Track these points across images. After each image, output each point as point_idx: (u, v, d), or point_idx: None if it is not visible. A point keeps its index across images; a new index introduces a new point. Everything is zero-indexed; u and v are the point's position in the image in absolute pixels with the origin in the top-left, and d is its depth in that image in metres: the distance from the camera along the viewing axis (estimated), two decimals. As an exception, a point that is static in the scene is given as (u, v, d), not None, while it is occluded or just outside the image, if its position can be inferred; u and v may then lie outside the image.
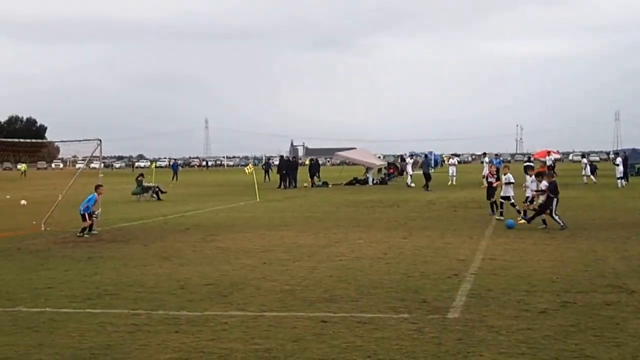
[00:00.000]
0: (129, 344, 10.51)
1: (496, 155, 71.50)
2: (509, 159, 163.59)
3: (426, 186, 50.02)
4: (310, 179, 60.42)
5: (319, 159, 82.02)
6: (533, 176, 26.65)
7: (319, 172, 63.13)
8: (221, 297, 13.83)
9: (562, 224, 23.83)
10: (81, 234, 24.43)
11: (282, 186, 57.20)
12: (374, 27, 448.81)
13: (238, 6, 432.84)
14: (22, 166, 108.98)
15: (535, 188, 25.85)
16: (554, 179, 25.39)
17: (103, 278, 16.14)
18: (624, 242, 20.49)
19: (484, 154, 65.95)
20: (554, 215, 24.14)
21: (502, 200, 27.48)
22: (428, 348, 9.97)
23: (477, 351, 9.82)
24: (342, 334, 10.81)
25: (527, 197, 26.65)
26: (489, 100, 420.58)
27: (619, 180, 49.84)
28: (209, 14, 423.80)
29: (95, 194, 25.47)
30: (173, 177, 75.68)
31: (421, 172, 53.85)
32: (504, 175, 27.75)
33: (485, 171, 51.54)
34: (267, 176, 70.08)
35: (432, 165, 53.69)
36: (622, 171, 51.11)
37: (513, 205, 26.98)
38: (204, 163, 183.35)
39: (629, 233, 22.53)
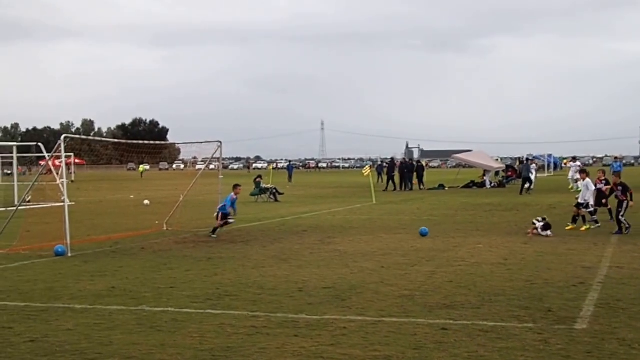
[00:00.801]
0: (248, 346, 10.49)
1: (616, 158, 69.51)
2: (632, 162, 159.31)
3: (527, 189, 49.39)
4: (416, 182, 59.66)
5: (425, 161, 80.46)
6: (587, 179, 26.09)
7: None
8: (340, 300, 13.73)
9: (627, 225, 24.24)
10: (214, 234, 24.80)
11: (389, 188, 56.80)
12: (491, 28, 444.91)
13: (355, 9, 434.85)
14: (141, 167, 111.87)
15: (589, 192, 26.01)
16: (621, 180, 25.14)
17: (223, 279, 16.29)
18: None
19: (574, 158, 63.97)
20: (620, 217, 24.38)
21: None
22: (555, 360, 9.63)
23: (607, 365, 9.43)
24: (464, 342, 10.54)
25: (582, 202, 26.26)
26: (611, 101, 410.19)
27: None
28: (325, 16, 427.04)
29: (232, 193, 25.61)
30: (289, 179, 76.25)
31: (543, 175, 52.92)
32: (583, 180, 27.09)
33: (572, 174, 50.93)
34: (380, 179, 69.91)
35: (532, 170, 52.72)
36: None
37: (591, 213, 26.47)
38: (314, 164, 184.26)
39: None
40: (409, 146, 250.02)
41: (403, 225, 28.05)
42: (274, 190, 45.77)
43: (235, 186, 26.01)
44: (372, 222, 29.74)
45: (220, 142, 28.41)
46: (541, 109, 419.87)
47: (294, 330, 11.39)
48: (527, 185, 50.34)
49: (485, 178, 61.07)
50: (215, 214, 25.38)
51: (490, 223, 28.79)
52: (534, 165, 59.18)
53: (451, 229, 26.63)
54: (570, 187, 54.13)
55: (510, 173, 66.48)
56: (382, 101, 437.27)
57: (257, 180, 46.45)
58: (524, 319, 12.01)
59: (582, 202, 26.19)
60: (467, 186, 60.21)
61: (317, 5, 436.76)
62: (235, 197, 25.60)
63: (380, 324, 11.78)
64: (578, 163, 56.16)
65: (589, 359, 9.65)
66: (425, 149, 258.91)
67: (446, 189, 58.60)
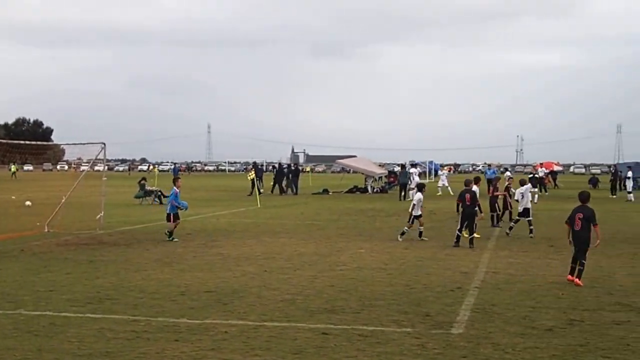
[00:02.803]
0: (128, 351, 10.41)
1: (489, 165, 71.36)
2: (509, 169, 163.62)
3: (402, 197, 50.02)
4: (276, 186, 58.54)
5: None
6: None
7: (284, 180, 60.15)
8: (221, 305, 13.73)
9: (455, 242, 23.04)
10: (170, 238, 24.13)
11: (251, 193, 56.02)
12: (377, 35, 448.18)
13: (242, 13, 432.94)
14: (13, 167, 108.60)
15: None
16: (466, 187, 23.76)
17: (104, 282, 16.07)
18: (631, 258, 20.39)
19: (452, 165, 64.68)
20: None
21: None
22: (432, 364, 9.87)
23: (482, 369, 9.71)
24: (344, 347, 10.69)
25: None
26: (490, 110, 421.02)
27: (630, 195, 49.57)
28: (214, 21, 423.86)
29: (174, 188, 25.05)
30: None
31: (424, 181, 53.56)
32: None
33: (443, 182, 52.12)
34: (261, 184, 68.29)
35: (411, 178, 53.21)
36: (632, 185, 51.18)
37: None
38: (184, 167, 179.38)
39: (636, 249, 22.42)
40: (295, 151, 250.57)
41: (287, 230, 28.16)
42: (159, 193, 45.30)
43: (176, 179, 25.57)
44: (256, 226, 29.76)
45: (104, 144, 28.00)
46: (425, 116, 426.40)
47: (174, 335, 11.34)
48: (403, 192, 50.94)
49: (367, 183, 61.72)
50: (167, 216, 24.71)
51: (373, 228, 29.18)
52: (417, 170, 59.90)
53: (334, 233, 26.87)
54: (438, 193, 55.00)
55: (392, 179, 67.36)
56: (270, 106, 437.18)
57: (142, 182, 45.90)
58: (402, 323, 12.26)
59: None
60: (350, 191, 60.67)
61: (205, 10, 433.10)
62: (178, 190, 24.99)
63: (262, 328, 11.84)
64: (445, 171, 56.95)
65: (464, 363, 9.94)
66: (310, 153, 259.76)
67: (330, 193, 59.03)
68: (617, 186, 58.57)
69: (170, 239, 23.95)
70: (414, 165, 69.32)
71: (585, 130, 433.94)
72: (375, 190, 61.38)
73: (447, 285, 15.90)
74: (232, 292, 14.92)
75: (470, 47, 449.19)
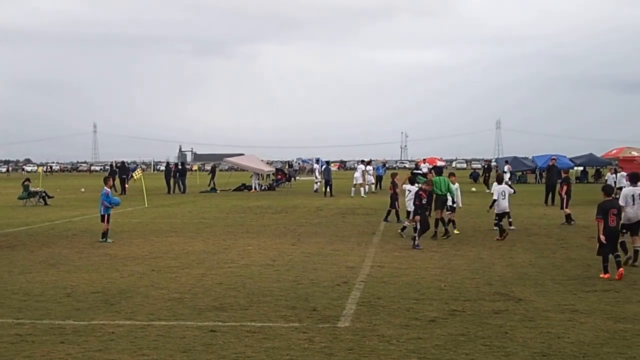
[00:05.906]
0: (11, 355, 10.26)
1: (384, 164, 72.51)
2: (394, 165, 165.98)
3: (330, 193, 49.99)
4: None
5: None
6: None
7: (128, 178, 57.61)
8: (109, 305, 13.63)
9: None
10: (103, 239, 23.58)
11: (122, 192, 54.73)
12: (258, 34, 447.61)
13: (126, 13, 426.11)
14: None
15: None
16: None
17: (-15, 286, 15.71)
18: (509, 250, 21.00)
19: (364, 161, 61.42)
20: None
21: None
22: (319, 358, 10.03)
23: (368, 361, 9.91)
24: (232, 344, 10.77)
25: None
26: (375, 108, 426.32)
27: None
28: (95, 20, 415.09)
29: (105, 188, 24.33)
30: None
31: (310, 178, 53.81)
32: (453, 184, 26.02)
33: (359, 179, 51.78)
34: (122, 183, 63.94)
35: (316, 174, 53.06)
36: (509, 177, 52.77)
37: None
38: (49, 168, 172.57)
39: (514, 240, 23.09)
40: (182, 149, 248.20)
41: (174, 228, 28.01)
42: (44, 194, 44.49)
43: (107, 179, 24.94)
44: (144, 225, 29.49)
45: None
46: (309, 114, 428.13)
47: (60, 337, 11.21)
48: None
49: (254, 181, 61.57)
50: (101, 217, 24.01)
51: (260, 225, 29.25)
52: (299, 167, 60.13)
53: (222, 231, 26.86)
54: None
55: (280, 176, 67.65)
56: (155, 105, 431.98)
57: (26, 183, 44.95)
58: (290, 318, 12.41)
59: (456, 206, 26.01)
60: (238, 189, 60.57)
61: (85, 9, 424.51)
62: (109, 190, 24.24)
63: (150, 327, 11.81)
64: (370, 167, 56.44)
65: (351, 355, 10.14)
66: (198, 152, 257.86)
67: (218, 191, 58.83)
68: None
69: (104, 240, 23.49)
70: (290, 164, 69.55)
71: (467, 127, 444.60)
72: (263, 187, 61.42)
73: (333, 280, 16.13)
74: (119, 293, 14.81)
75: (350, 45, 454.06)
